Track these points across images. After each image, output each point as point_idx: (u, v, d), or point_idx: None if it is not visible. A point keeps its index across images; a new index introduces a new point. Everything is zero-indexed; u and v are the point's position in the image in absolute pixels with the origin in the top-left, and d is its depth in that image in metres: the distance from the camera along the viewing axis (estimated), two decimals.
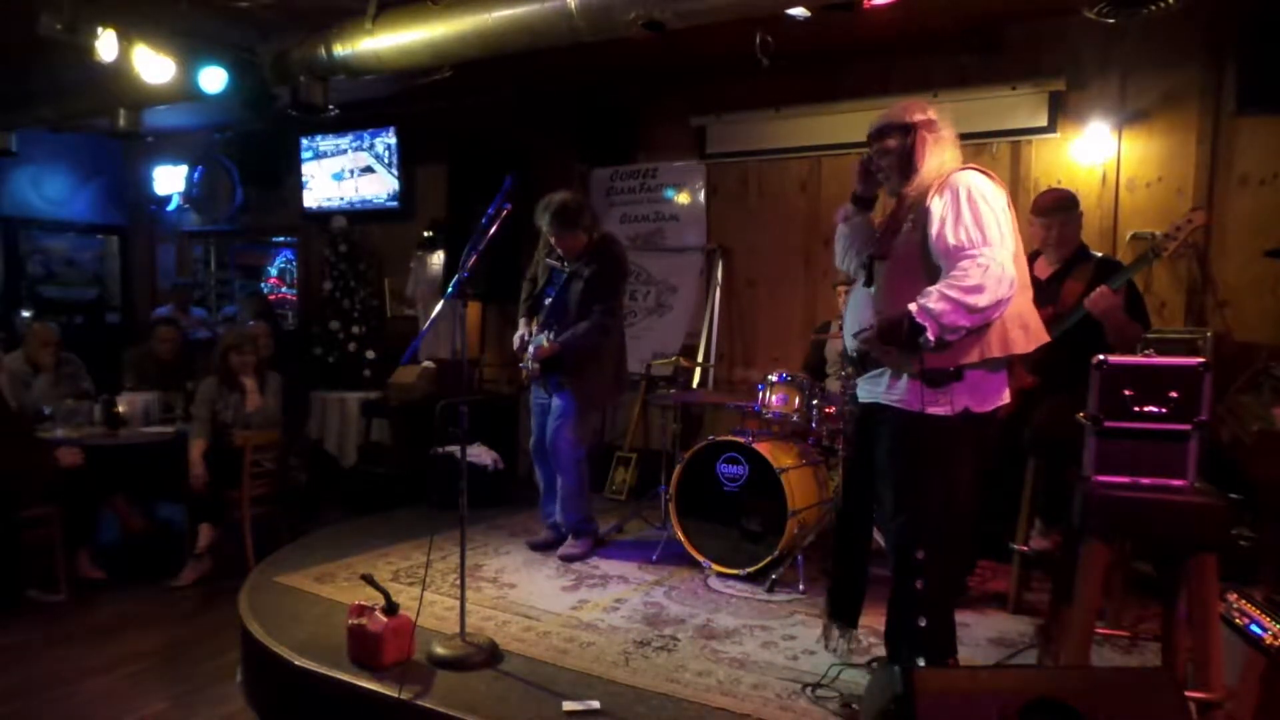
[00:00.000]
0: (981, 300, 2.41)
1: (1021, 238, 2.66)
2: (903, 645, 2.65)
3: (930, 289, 2.49)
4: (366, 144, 7.06)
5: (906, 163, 2.70)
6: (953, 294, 2.43)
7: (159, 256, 8.91)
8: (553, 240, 4.14)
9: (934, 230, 2.54)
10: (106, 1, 4.47)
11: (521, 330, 4.35)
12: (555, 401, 4.23)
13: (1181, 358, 2.37)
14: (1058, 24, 4.57)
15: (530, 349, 4.19)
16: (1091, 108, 4.58)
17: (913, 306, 2.48)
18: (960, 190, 2.53)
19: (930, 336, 2.46)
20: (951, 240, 2.50)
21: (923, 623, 2.58)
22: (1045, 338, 2.66)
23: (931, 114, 2.72)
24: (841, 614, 3.01)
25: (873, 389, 2.73)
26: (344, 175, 7.21)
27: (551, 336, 4.12)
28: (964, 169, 2.62)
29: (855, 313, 2.79)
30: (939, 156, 2.66)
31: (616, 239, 4.42)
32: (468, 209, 5.77)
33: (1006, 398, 2.67)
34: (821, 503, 4.11)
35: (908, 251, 2.61)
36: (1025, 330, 2.58)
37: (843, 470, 3.56)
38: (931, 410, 2.54)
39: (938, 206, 2.55)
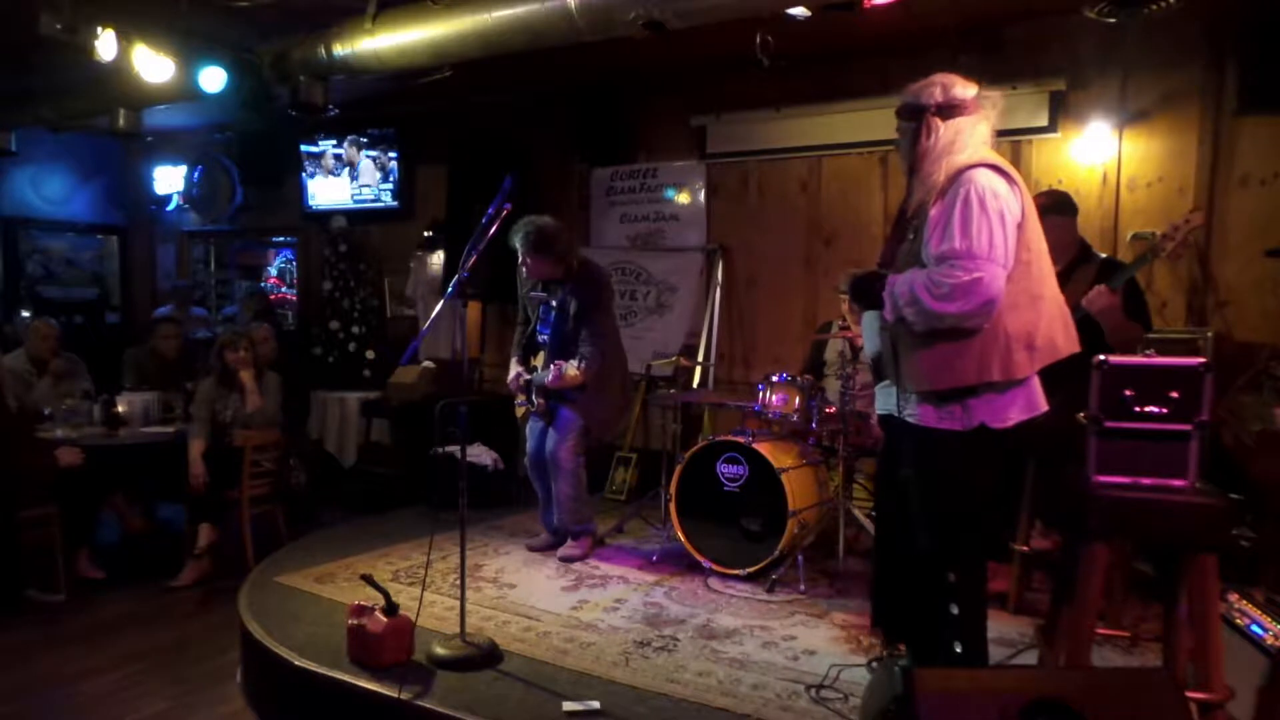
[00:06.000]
0: (948, 312, 2.32)
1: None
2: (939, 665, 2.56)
3: (912, 275, 2.40)
4: (366, 144, 7.07)
5: (911, 153, 2.50)
6: (923, 295, 2.36)
7: (159, 256, 8.92)
8: (524, 265, 4.12)
9: (929, 236, 2.39)
10: (106, 1, 4.47)
11: (516, 370, 4.35)
12: (562, 414, 4.20)
13: (1182, 358, 2.36)
14: (1058, 24, 4.57)
15: (546, 378, 4.11)
16: (1092, 107, 4.58)
17: (890, 281, 2.46)
18: (962, 193, 2.33)
19: (888, 316, 2.47)
20: (943, 246, 2.35)
21: (958, 648, 2.48)
22: (1057, 354, 2.44)
23: (957, 93, 2.45)
24: (892, 631, 2.81)
25: (886, 400, 2.64)
26: (343, 175, 7.22)
27: (578, 364, 4.00)
28: (975, 166, 2.37)
29: (869, 327, 2.70)
30: (950, 152, 2.41)
31: (595, 263, 4.41)
32: (468, 209, 5.78)
33: (1038, 408, 2.47)
34: (822, 503, 4.11)
35: (909, 264, 2.49)
36: (1030, 351, 2.39)
37: (875, 482, 3.54)
38: (945, 426, 2.43)
39: (938, 212, 2.38)
